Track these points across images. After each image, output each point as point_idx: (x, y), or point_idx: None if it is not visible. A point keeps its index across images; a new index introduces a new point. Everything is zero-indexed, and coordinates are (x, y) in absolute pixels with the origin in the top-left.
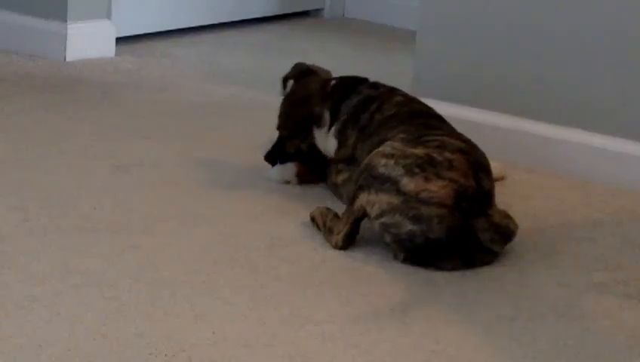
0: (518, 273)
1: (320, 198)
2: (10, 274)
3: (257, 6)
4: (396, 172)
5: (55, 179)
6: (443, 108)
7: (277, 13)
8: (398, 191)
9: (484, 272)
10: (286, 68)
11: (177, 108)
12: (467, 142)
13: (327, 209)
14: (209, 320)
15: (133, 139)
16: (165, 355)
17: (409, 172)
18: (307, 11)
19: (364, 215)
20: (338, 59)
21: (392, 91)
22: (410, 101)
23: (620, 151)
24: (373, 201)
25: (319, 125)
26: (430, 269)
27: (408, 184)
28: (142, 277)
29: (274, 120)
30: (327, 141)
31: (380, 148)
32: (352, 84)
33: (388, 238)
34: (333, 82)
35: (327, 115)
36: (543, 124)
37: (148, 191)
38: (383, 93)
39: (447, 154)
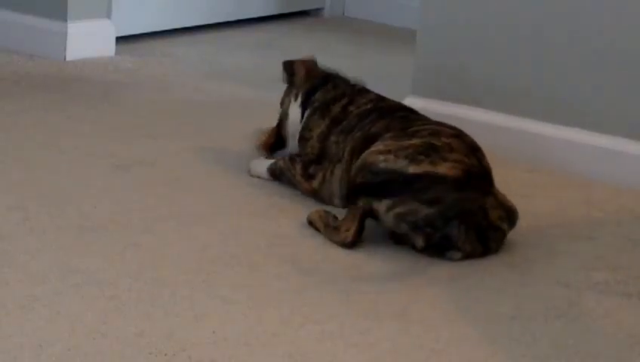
0: (518, 273)
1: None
2: (10, 273)
3: (257, 5)
4: (400, 163)
5: (55, 178)
6: (443, 108)
7: (277, 13)
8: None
9: (485, 271)
10: None
11: (177, 108)
12: (454, 128)
13: (325, 211)
14: (209, 319)
15: (133, 139)
16: (165, 354)
17: (414, 160)
18: (307, 11)
19: (370, 211)
20: (338, 59)
21: (365, 90)
22: (384, 98)
23: (620, 150)
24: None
25: (295, 99)
26: (446, 257)
27: (416, 169)
28: (142, 276)
29: (274, 120)
30: (295, 116)
31: (373, 148)
32: (333, 77)
33: (405, 228)
34: (319, 70)
35: (302, 95)
36: (544, 123)
37: (148, 191)
38: (356, 90)
39: (444, 139)
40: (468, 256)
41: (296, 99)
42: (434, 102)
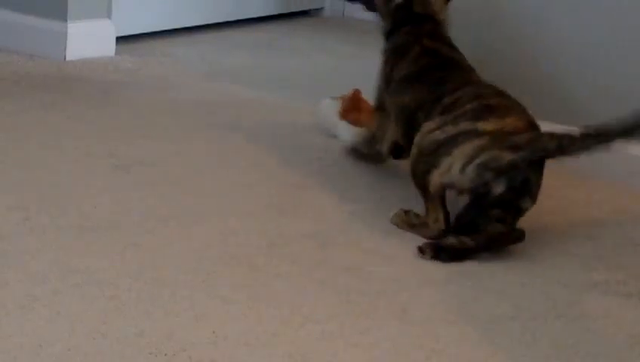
0: (518, 273)
1: (320, 198)
2: (10, 273)
3: (257, 5)
4: (465, 125)
5: (55, 178)
6: None
7: (277, 13)
8: (479, 134)
9: (484, 271)
10: (287, 67)
11: (178, 108)
12: (490, 86)
13: (405, 212)
14: (209, 319)
15: (133, 139)
16: (165, 354)
17: (479, 117)
18: (307, 10)
19: (443, 188)
20: (338, 59)
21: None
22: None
23: (620, 150)
24: (449, 164)
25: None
26: (521, 206)
27: (486, 125)
28: (142, 276)
29: (274, 119)
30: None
31: (423, 129)
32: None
33: (488, 176)
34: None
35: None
36: (544, 123)
37: (148, 191)
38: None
39: (492, 100)
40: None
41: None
42: None
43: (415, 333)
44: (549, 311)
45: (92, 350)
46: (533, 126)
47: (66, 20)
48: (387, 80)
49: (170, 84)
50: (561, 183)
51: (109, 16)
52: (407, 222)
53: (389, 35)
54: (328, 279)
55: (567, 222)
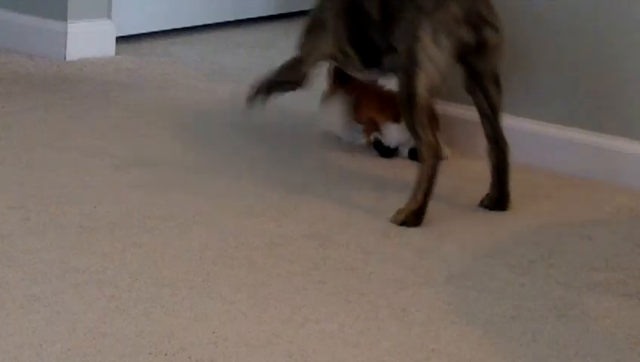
0: (518, 273)
1: (321, 198)
2: (10, 273)
3: (257, 5)
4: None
5: (55, 178)
6: (443, 108)
7: (277, 13)
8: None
9: (484, 271)
10: None
11: (178, 108)
12: None
13: (399, 212)
14: (209, 319)
15: (133, 138)
16: (165, 354)
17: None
18: (307, 11)
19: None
20: None
21: None
22: None
23: (620, 150)
24: (431, 51)
25: None
26: None
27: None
28: (142, 276)
29: (274, 119)
30: None
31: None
32: None
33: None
34: None
35: None
36: (544, 123)
37: (148, 190)
38: None
39: None
40: None
41: None
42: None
43: (415, 333)
44: (549, 311)
45: (92, 350)
46: None
47: (66, 20)
48: None
49: (170, 84)
50: (561, 183)
51: (109, 16)
52: (404, 211)
53: None
54: (328, 279)
55: (567, 222)
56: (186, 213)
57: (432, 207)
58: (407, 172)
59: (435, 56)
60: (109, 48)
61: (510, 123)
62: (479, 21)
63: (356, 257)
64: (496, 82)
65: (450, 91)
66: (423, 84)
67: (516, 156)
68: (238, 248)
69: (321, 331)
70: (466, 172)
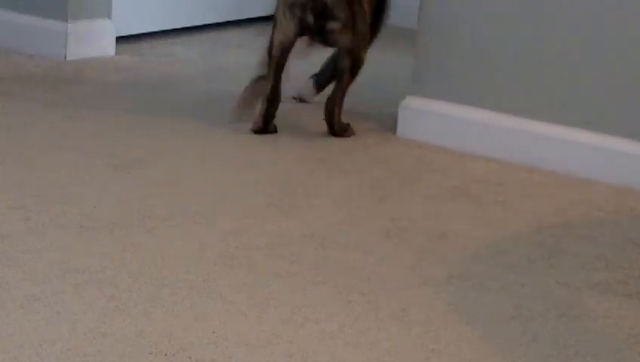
0: (518, 272)
1: (321, 198)
2: (10, 272)
3: (257, 5)
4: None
5: (55, 177)
6: (443, 108)
7: None
8: None
9: (484, 271)
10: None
11: (178, 107)
12: None
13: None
14: (209, 319)
15: (133, 138)
16: (165, 354)
17: None
18: None
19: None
20: None
21: None
22: None
23: (620, 150)
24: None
25: None
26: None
27: None
28: (142, 276)
29: (274, 118)
30: None
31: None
32: None
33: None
34: None
35: None
36: (544, 123)
37: (148, 190)
38: None
39: None
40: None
41: None
42: (434, 103)
43: (415, 333)
44: (549, 311)
45: (92, 350)
46: None
47: (66, 20)
48: None
49: (170, 84)
50: (561, 183)
51: (109, 16)
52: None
53: None
54: (328, 279)
55: (567, 222)
56: (186, 213)
57: (432, 207)
58: (407, 172)
59: (284, 24)
60: (109, 48)
61: (510, 123)
62: (322, 11)
63: (356, 257)
64: (348, 53)
65: (451, 91)
66: (276, 40)
67: (519, 157)
68: (238, 248)
69: (321, 331)
70: (466, 172)
